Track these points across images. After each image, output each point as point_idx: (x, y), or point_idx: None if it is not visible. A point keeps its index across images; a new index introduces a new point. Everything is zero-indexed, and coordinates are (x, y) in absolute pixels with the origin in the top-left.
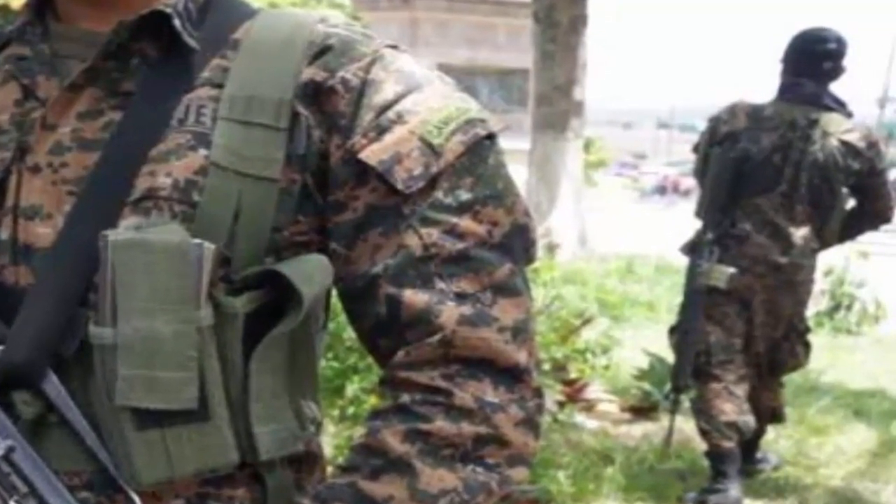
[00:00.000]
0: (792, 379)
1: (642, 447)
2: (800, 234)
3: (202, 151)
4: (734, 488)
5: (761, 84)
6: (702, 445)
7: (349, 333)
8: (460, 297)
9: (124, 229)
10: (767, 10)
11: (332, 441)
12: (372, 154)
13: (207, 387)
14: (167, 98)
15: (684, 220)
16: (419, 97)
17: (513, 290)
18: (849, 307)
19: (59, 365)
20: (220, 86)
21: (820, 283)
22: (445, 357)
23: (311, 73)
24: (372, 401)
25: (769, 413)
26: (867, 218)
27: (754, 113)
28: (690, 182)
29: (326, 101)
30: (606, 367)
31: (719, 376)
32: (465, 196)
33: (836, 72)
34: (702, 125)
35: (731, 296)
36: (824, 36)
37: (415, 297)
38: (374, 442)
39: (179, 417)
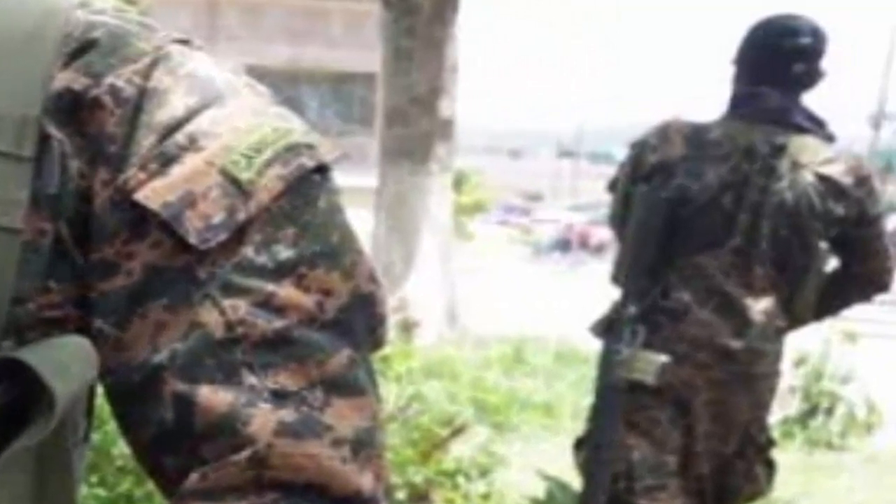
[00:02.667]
0: None
1: None
2: (760, 307)
3: None
4: None
5: (704, 96)
6: None
7: (121, 448)
8: (279, 397)
9: None
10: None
11: None
12: (153, 194)
13: None
14: None
15: (596, 288)
16: (220, 113)
17: (353, 387)
18: (829, 411)
19: None
20: None
21: (789, 378)
22: (258, 481)
23: (67, 78)
24: None
25: None
26: (855, 284)
27: (695, 136)
28: (605, 233)
29: (89, 118)
30: (486, 496)
31: None
32: (285, 254)
33: (812, 77)
34: (620, 153)
35: (662, 395)
36: (794, 27)
37: (214, 396)
38: None
39: None
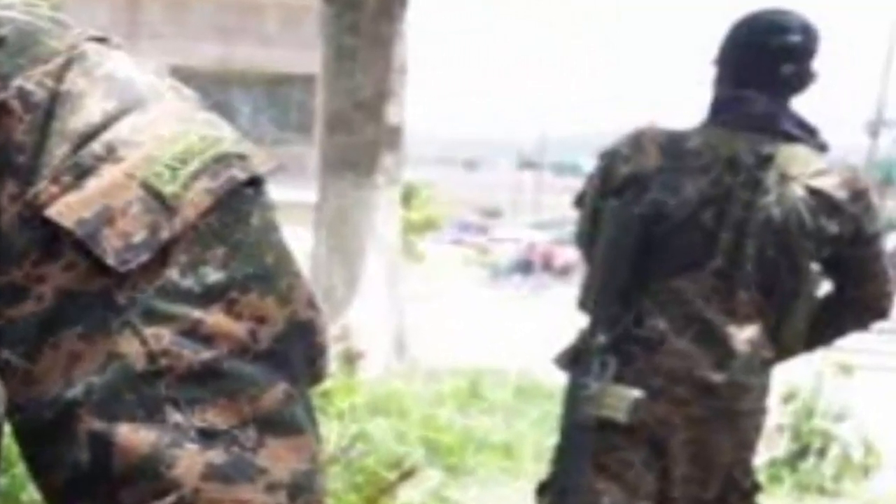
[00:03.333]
0: None
1: None
2: (744, 336)
3: None
4: None
5: (684, 100)
6: None
7: (31, 493)
8: (207, 437)
9: None
10: (691, 7)
11: None
12: (67, 210)
13: None
14: None
15: (561, 315)
16: (142, 120)
17: (289, 426)
18: (822, 452)
19: None
20: None
21: (776, 415)
22: None
23: None
24: None
25: None
26: (851, 310)
27: (672, 145)
28: (571, 254)
29: None
30: None
31: None
32: (213, 276)
33: (802, 79)
34: (588, 164)
35: (635, 434)
36: (782, 23)
37: (134, 435)
38: None
39: None
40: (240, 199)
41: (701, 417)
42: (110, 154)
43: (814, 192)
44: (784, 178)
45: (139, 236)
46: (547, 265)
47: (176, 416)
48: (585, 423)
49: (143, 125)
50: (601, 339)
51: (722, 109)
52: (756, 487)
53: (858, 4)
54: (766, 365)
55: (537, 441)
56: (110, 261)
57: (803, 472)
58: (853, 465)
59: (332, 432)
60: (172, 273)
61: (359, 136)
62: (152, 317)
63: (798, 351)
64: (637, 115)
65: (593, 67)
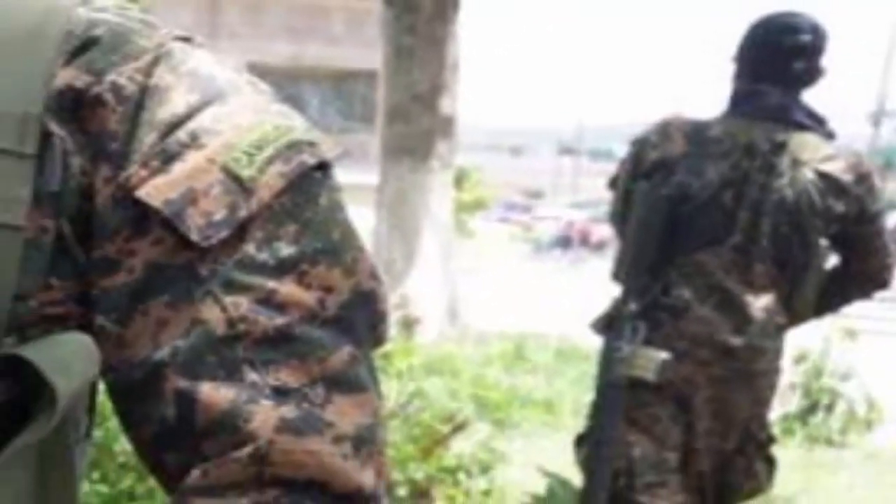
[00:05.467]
0: None
1: None
2: (760, 304)
3: None
4: None
5: (706, 93)
6: None
7: (123, 445)
8: (280, 394)
9: None
10: (714, 5)
11: None
12: (155, 191)
13: None
14: None
15: (596, 285)
16: (222, 111)
17: (354, 384)
18: (829, 408)
19: None
20: None
21: (789, 374)
22: (259, 478)
23: (68, 76)
24: None
25: None
26: (855, 282)
27: (696, 133)
28: (605, 231)
29: (91, 115)
30: (487, 493)
31: None
32: (286, 251)
33: (812, 75)
34: (620, 150)
35: (663, 392)
36: (794, 24)
37: (215, 393)
38: None
39: None
40: (309, 181)
41: (721, 377)
42: (194, 141)
43: (822, 176)
44: (796, 163)
45: (219, 215)
46: (584, 241)
47: (252, 376)
48: (618, 381)
49: (223, 116)
50: (632, 306)
51: (740, 101)
52: (771, 439)
53: (862, 6)
54: (780, 330)
55: (575, 398)
56: (194, 237)
57: (813, 426)
58: (857, 420)
59: (391, 390)
60: (249, 248)
61: (416, 125)
62: (231, 287)
63: (808, 317)
64: (664, 106)
65: (625, 64)
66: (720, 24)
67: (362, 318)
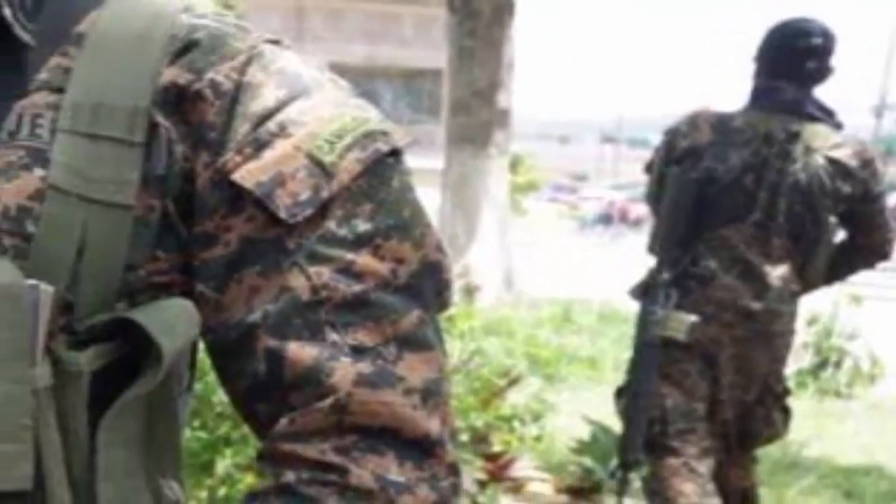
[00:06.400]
0: (768, 453)
1: None
2: (777, 273)
3: (38, 171)
4: None
5: (730, 89)
6: None
7: (220, 397)
8: (357, 352)
9: None
10: (735, 9)
11: None
12: (248, 175)
13: (45, 463)
14: None
15: (634, 257)
16: (306, 104)
17: (422, 343)
18: (838, 364)
19: None
20: (60, 90)
21: (802, 335)
22: (339, 426)
23: (172, 74)
24: (248, 480)
25: (739, 495)
26: (860, 254)
27: (721, 124)
28: (642, 209)
29: (192, 108)
30: (538, 438)
31: (678, 449)
32: (363, 227)
33: (822, 73)
34: (655, 139)
35: (692, 350)
36: (807, 29)
37: (301, 351)
38: None
39: (10, 500)
40: (383, 166)
41: (743, 337)
42: (282, 131)
43: (832, 161)
44: (808, 150)
45: (304, 195)
46: (623, 218)
47: (333, 336)
48: (653, 341)
49: (307, 109)
50: (665, 275)
51: (760, 96)
52: (786, 391)
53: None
54: (794, 296)
55: (615, 356)
56: (282, 214)
57: (823, 380)
58: (862, 375)
59: (455, 349)
60: (330, 224)
61: (476, 117)
62: (315, 258)
63: (819, 285)
64: (693, 100)
65: (660, 62)
66: (741, 26)
67: (429, 285)
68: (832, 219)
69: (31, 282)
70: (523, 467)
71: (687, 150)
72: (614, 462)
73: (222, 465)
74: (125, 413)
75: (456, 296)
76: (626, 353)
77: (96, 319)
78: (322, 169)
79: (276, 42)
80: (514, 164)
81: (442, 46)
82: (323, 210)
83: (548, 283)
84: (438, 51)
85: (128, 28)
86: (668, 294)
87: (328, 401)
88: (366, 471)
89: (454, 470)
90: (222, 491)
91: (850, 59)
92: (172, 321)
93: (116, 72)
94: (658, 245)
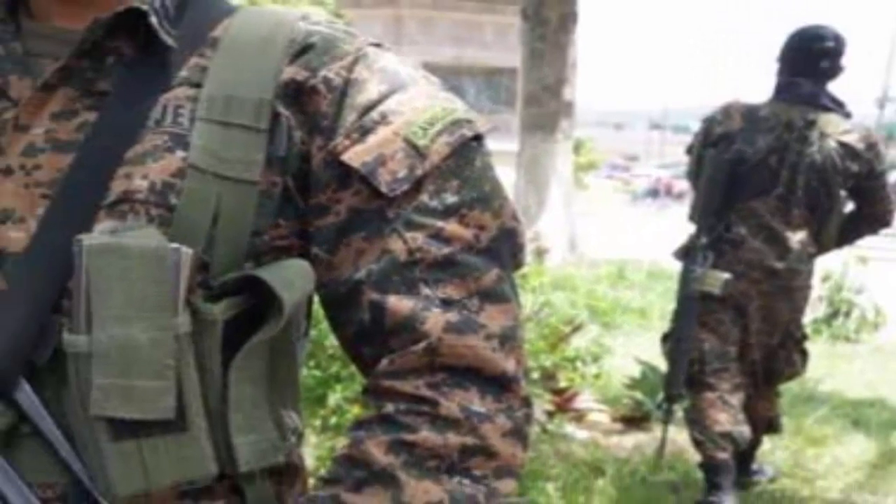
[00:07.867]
0: (789, 388)
1: (634, 458)
2: (796, 238)
3: (179, 153)
4: (729, 500)
5: (757, 84)
6: (695, 456)
7: (331, 341)
8: (446, 304)
9: (99, 233)
10: (763, 10)
11: (313, 452)
12: (355, 156)
13: (185, 396)
14: (143, 98)
15: (677, 224)
16: (404, 97)
17: (500, 297)
18: (847, 314)
19: (32, 373)
20: (198, 85)
21: (817, 289)
22: (431, 365)
23: (292, 72)
24: (355, 410)
25: (765, 423)
26: (866, 222)
27: (750, 114)
28: (684, 185)
29: (308, 101)
30: (597, 376)
31: (713, 385)
32: (451, 199)
33: (834, 71)
34: (695, 126)
35: (725, 302)
36: (822, 34)
37: (399, 303)
38: (357, 453)
39: (156, 428)
40: (468, 149)
41: (768, 292)
42: (383, 119)
43: (842, 145)
44: (823, 135)
45: (402, 173)
46: (668, 192)
47: (426, 291)
48: (693, 295)
49: (404, 100)
50: (703, 240)
51: (782, 90)
52: (804, 337)
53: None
54: (811, 257)
55: (662, 307)
56: (383, 189)
57: (835, 328)
58: (868, 323)
59: (527, 301)
60: (424, 197)
61: (545, 108)
62: (410, 225)
63: (831, 248)
64: (726, 93)
65: (698, 60)
66: (766, 28)
67: (506, 248)
68: (842, 193)
69: (174, 245)
70: (585, 400)
71: (721, 135)
72: (661, 396)
73: (333, 398)
74: (252, 355)
75: (528, 257)
76: (671, 305)
77: (228, 277)
78: (417, 151)
79: (378, 45)
80: (577, 147)
81: (517, 49)
82: (417, 185)
83: (605, 247)
84: (514, 52)
85: (255, 33)
86: (706, 255)
87: (422, 345)
88: (453, 403)
89: (527, 402)
90: (333, 420)
91: (856, 57)
92: (292, 278)
93: (245, 70)
94: (697, 214)
